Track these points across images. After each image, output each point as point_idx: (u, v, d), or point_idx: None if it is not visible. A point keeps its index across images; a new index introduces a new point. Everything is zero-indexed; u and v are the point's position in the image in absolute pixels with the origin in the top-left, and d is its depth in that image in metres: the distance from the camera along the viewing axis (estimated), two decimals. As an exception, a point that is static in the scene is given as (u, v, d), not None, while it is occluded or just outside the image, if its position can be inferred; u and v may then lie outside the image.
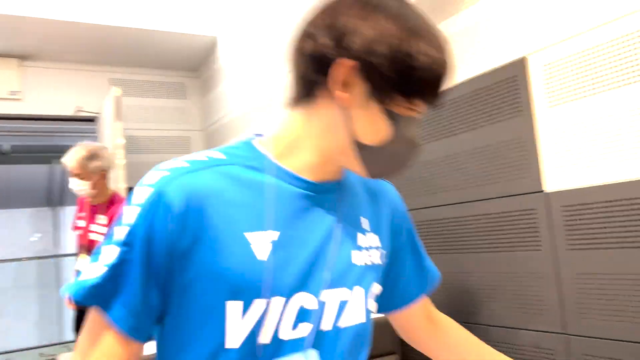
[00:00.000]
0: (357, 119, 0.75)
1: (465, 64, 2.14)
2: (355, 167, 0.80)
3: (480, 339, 1.01)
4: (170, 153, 5.17)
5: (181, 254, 0.72)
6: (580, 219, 1.74)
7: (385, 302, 0.97)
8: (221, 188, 0.75)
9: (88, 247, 3.00)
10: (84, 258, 2.99)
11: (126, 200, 0.76)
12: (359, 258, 0.84)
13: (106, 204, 3.03)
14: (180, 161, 0.78)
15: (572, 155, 1.76)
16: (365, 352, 0.87)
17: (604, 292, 1.68)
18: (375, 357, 1.71)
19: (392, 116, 0.75)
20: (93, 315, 0.74)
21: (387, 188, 0.97)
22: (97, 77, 4.71)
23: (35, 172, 7.39)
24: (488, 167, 2.05)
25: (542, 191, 1.86)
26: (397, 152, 0.78)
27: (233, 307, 0.73)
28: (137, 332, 0.73)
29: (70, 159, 2.90)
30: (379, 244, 0.89)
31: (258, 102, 3.95)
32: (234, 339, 0.73)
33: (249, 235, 0.74)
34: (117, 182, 3.80)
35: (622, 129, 1.61)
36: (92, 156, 2.93)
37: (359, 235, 0.85)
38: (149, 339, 0.76)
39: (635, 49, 1.56)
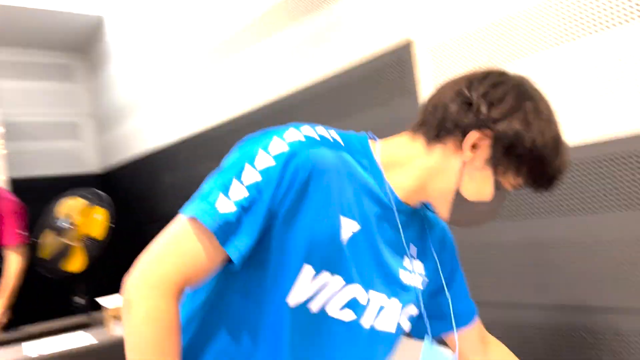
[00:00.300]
0: (469, 175, 0.87)
1: (353, 47, 2.18)
2: (442, 210, 0.92)
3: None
4: (57, 139, 4.84)
5: (291, 213, 0.82)
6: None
7: (445, 323, 1.08)
8: (338, 170, 0.85)
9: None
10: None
11: (258, 144, 0.83)
12: (403, 276, 0.95)
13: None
14: (313, 131, 0.87)
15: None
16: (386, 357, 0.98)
17: (481, 261, 1.80)
18: None
19: (497, 186, 0.88)
20: (199, 236, 0.79)
21: (442, 225, 1.07)
22: (-33, 58, 4.29)
23: None
24: (379, 148, 2.11)
25: (428, 169, 1.95)
26: (481, 212, 0.91)
27: (307, 271, 0.83)
28: (239, 264, 0.81)
29: None
30: (422, 272, 1.00)
31: (150, 84, 3.80)
32: (295, 297, 0.83)
33: (342, 218, 0.85)
34: (-5, 173, 3.51)
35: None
36: None
37: (406, 258, 0.96)
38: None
39: (517, 32, 1.68)
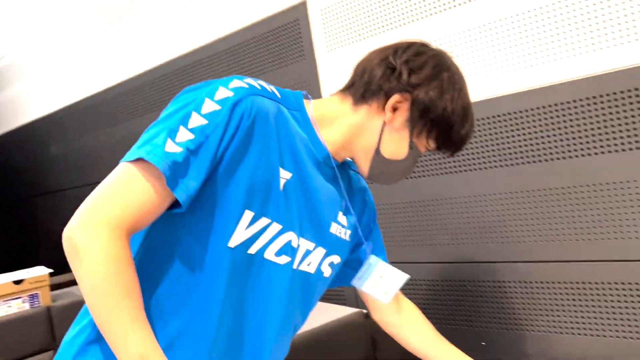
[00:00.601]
0: (388, 135, 0.97)
1: (248, 8, 2.13)
2: (363, 165, 1.01)
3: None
4: None
5: (234, 158, 0.85)
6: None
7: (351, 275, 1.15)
8: (277, 120, 0.90)
9: None
10: None
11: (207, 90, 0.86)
12: (334, 229, 1.03)
13: None
14: (254, 81, 0.91)
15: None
16: (312, 304, 1.06)
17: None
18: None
19: (411, 146, 0.98)
20: (146, 177, 0.79)
21: (365, 187, 1.16)
22: None
23: None
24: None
25: (325, 132, 1.96)
26: (396, 170, 1.01)
27: (247, 216, 0.87)
28: (185, 206, 0.82)
29: None
30: (347, 224, 1.07)
31: (32, 46, 3.50)
32: (235, 240, 0.87)
33: (280, 169, 0.90)
34: None
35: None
36: None
37: (340, 213, 1.04)
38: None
39: (398, -3, 1.70)
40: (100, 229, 0.75)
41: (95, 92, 3.06)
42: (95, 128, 3.16)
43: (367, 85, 0.97)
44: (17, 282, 2.42)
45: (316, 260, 1.01)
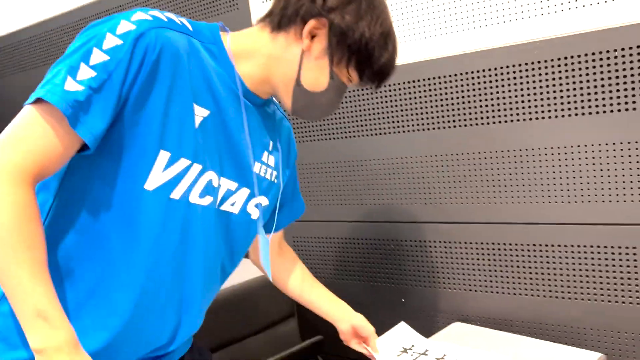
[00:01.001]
0: (308, 64, 0.91)
1: (182, -49, 2.02)
2: (285, 99, 0.95)
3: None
4: None
5: (142, 96, 0.80)
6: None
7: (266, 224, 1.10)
8: (188, 54, 0.85)
9: None
10: None
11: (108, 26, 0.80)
12: (258, 169, 1.00)
13: None
14: (161, 14, 0.85)
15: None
16: (241, 246, 1.04)
17: (310, 179, 1.87)
18: (276, 322, 1.77)
19: (332, 76, 0.92)
20: (48, 120, 0.75)
21: (289, 127, 1.13)
22: None
23: None
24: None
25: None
26: (320, 103, 0.95)
27: (163, 157, 0.83)
28: (93, 148, 0.78)
29: None
30: (273, 165, 1.05)
31: None
32: (153, 183, 0.83)
33: (195, 105, 0.86)
34: None
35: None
36: None
37: (265, 153, 1.01)
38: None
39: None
40: (3, 178, 0.71)
41: (6, 34, 2.84)
42: (8, 73, 2.95)
43: (284, 11, 0.91)
44: None
45: (240, 201, 0.98)
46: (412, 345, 1.27)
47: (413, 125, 1.61)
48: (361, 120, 1.71)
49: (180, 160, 0.85)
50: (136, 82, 0.79)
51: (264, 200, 1.03)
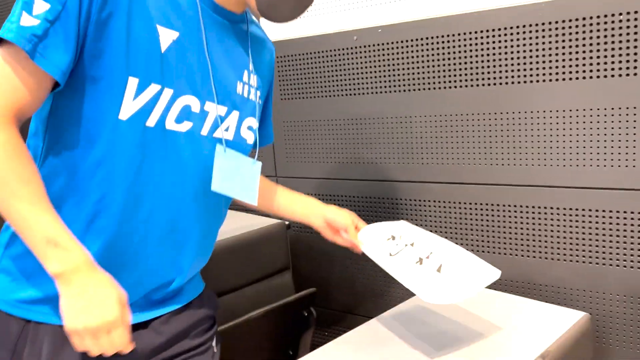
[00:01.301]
0: None
1: None
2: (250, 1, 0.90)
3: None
4: None
5: (97, 22, 0.79)
6: (289, 70, 1.85)
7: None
8: None
9: None
10: None
11: None
12: (241, 89, 0.98)
13: None
14: None
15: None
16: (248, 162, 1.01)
17: (306, 137, 1.87)
18: (272, 274, 1.77)
19: None
20: (13, 63, 0.76)
21: (270, 45, 1.11)
22: None
23: None
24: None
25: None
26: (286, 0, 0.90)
27: (132, 84, 0.82)
28: (62, 81, 0.79)
29: None
30: (256, 85, 1.03)
31: None
32: (126, 112, 0.83)
33: (159, 27, 0.84)
34: None
35: (327, -19, 1.70)
36: None
37: (245, 72, 0.99)
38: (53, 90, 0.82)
39: None
40: None
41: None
42: None
43: None
44: None
45: (233, 125, 0.98)
46: (401, 236, 1.24)
47: (413, 84, 1.60)
48: (361, 79, 1.70)
49: (151, 86, 0.84)
50: (92, 9, 0.78)
51: (253, 122, 1.02)
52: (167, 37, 0.86)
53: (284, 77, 1.88)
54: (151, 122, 0.86)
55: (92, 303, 0.75)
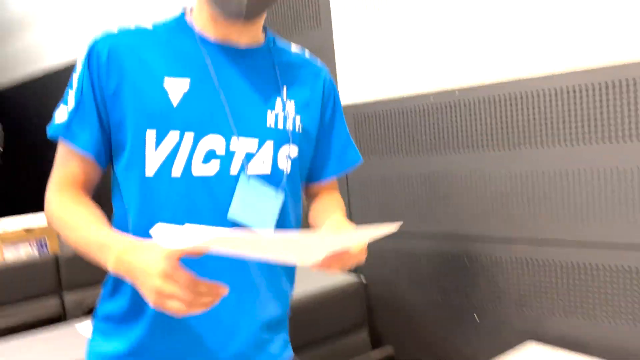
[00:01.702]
0: None
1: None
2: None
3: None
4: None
5: (111, 95, 0.89)
6: (367, 129, 1.90)
7: (305, 173, 1.05)
8: (141, 42, 0.92)
9: None
10: None
11: None
12: (272, 118, 0.95)
13: None
14: (116, 27, 0.93)
15: (363, 69, 1.89)
16: (286, 194, 0.97)
17: (383, 192, 1.89)
18: (347, 331, 1.76)
19: None
20: (62, 150, 0.93)
21: (320, 67, 1.08)
22: None
23: None
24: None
25: (336, 101, 1.98)
26: None
27: (150, 135, 0.87)
28: (97, 157, 0.92)
29: None
30: (294, 111, 0.99)
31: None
32: (151, 167, 0.88)
33: (167, 78, 0.90)
34: None
35: (403, 47, 1.76)
36: None
37: (278, 100, 0.97)
38: (105, 164, 0.94)
39: (418, -30, 1.69)
40: (51, 191, 0.93)
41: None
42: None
43: None
44: (27, 231, 2.48)
45: (269, 157, 0.94)
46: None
47: (487, 142, 1.60)
48: (436, 137, 1.72)
49: (170, 134, 0.87)
50: (102, 84, 0.89)
51: (293, 151, 0.98)
52: (178, 86, 0.90)
53: (359, 136, 1.93)
54: (176, 172, 0.88)
55: (140, 276, 0.75)
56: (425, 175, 1.77)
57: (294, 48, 1.06)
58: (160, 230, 0.80)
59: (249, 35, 0.97)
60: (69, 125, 0.90)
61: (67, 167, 0.92)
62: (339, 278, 1.78)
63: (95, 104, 0.89)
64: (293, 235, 0.73)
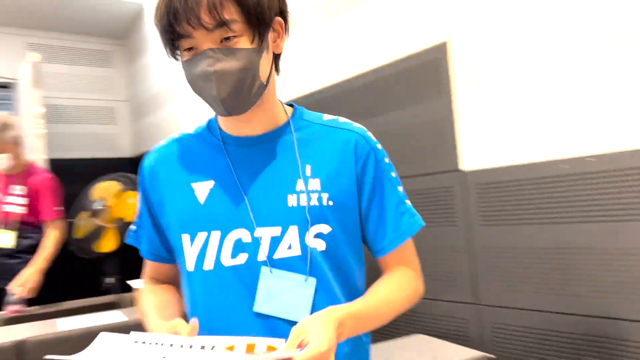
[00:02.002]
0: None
1: (390, 45, 2.19)
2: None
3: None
4: (94, 124, 4.96)
5: (157, 204, 1.04)
6: (492, 197, 1.85)
7: (354, 243, 1.02)
8: (172, 154, 1.04)
9: (3, 220, 2.86)
10: (-1, 232, 2.86)
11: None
12: (294, 200, 0.96)
13: (22, 175, 2.90)
14: (167, 138, 1.08)
15: (487, 137, 1.86)
16: (326, 273, 0.97)
17: (511, 264, 1.81)
18: None
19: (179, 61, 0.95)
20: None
21: (353, 130, 1.02)
22: (12, 40, 4.42)
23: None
24: (409, 146, 2.13)
25: (458, 170, 1.96)
26: (199, 89, 0.93)
27: (185, 239, 0.99)
28: (160, 259, 1.09)
29: None
30: (319, 188, 0.97)
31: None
32: (190, 264, 0.99)
33: (194, 185, 0.99)
34: (35, 153, 3.63)
35: (532, 113, 1.72)
36: (5, 126, 2.80)
37: (299, 181, 0.97)
38: (172, 260, 1.08)
39: (549, 37, 1.67)
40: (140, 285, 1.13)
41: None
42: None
43: None
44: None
45: (295, 241, 0.95)
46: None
47: (626, 214, 1.49)
48: (564, 207, 1.63)
49: (198, 235, 0.97)
50: (149, 197, 1.05)
51: (324, 228, 0.97)
52: (203, 189, 0.99)
53: (485, 204, 1.88)
54: (208, 265, 0.97)
55: None
56: (558, 247, 1.67)
57: (326, 117, 1.05)
58: (102, 339, 0.80)
59: (260, 122, 0.99)
60: (136, 233, 1.10)
61: (145, 265, 1.12)
62: (466, 354, 1.71)
63: (149, 215, 1.07)
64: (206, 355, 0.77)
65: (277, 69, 1.01)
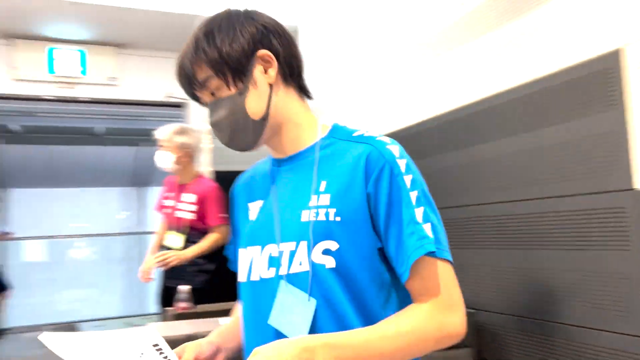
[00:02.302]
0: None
1: (557, 54, 2.09)
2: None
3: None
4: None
5: (233, 224, 1.21)
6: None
7: (369, 262, 0.98)
8: (249, 177, 1.19)
9: (175, 224, 3.17)
10: (171, 235, 3.17)
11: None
12: (307, 216, 0.98)
13: (193, 184, 3.18)
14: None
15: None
16: (336, 291, 0.95)
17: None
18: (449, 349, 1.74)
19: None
20: None
21: (367, 144, 0.99)
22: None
23: (123, 153, 7.81)
24: (576, 162, 1.99)
25: (632, 189, 1.79)
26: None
27: (241, 253, 1.09)
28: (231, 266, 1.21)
29: (161, 131, 3.11)
30: (329, 203, 0.97)
31: (339, 91, 3.99)
32: (242, 275, 1.08)
33: (250, 204, 1.13)
34: (203, 165, 3.98)
35: None
36: (181, 132, 3.12)
37: (313, 197, 0.99)
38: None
39: None
40: None
41: (396, 129, 3.32)
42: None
43: None
44: None
45: (304, 256, 0.97)
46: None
47: None
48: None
49: (247, 249, 1.07)
50: (232, 220, 1.21)
51: (331, 245, 0.95)
52: (255, 208, 1.10)
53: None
54: (254, 276, 1.04)
55: None
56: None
57: (356, 133, 1.04)
58: (47, 337, 0.85)
59: (286, 146, 1.09)
60: (229, 247, 1.23)
61: None
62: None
63: (234, 234, 1.21)
64: None
65: (304, 93, 1.11)
